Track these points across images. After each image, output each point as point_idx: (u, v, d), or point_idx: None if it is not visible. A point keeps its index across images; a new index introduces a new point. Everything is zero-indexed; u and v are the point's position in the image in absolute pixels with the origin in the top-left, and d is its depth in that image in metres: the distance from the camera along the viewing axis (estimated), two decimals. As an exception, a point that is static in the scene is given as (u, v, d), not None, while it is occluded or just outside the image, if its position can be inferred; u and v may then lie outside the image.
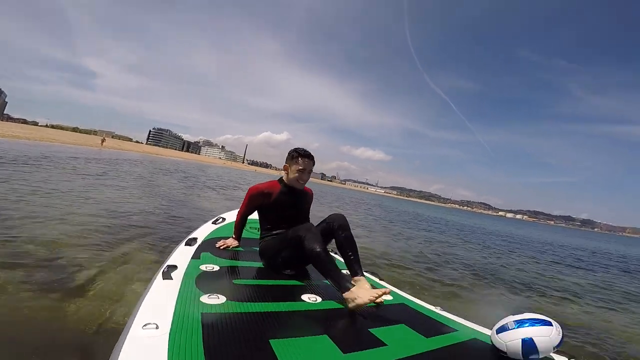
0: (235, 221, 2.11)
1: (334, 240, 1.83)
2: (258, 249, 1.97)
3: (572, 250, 13.19)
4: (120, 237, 3.35)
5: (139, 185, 8.16)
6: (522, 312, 1.27)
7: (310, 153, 1.92)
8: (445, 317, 1.59)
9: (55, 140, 21.26)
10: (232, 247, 2.08)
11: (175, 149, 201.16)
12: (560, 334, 1.16)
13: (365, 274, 2.19)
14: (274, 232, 1.92)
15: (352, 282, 1.62)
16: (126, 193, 6.50)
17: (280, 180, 1.98)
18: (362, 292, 1.44)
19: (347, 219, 1.86)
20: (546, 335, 1.14)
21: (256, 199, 1.93)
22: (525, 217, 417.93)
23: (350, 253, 1.76)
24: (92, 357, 1.50)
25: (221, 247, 2.05)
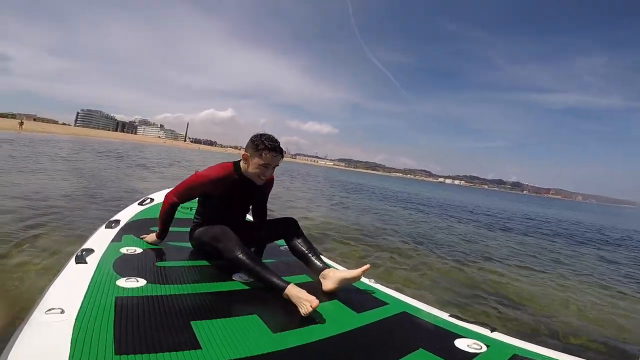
0: (161, 211, 1.68)
1: (283, 242, 1.77)
2: (189, 229, 1.77)
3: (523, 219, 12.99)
4: (33, 222, 3.06)
5: (63, 168, 7.62)
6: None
7: (278, 146, 1.59)
8: (378, 290, 1.59)
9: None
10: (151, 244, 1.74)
11: (109, 130, 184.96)
12: None
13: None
14: (213, 219, 1.66)
15: (321, 277, 1.54)
16: (46, 176, 6.10)
17: (236, 167, 1.66)
18: (296, 292, 1.28)
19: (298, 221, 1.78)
20: None
21: (203, 187, 1.63)
22: (462, 182, 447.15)
23: (307, 251, 1.66)
24: None
25: (144, 239, 1.78)
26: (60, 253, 2.43)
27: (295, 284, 1.31)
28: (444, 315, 1.37)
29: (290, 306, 1.24)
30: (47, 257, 2.34)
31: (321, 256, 1.71)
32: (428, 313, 1.38)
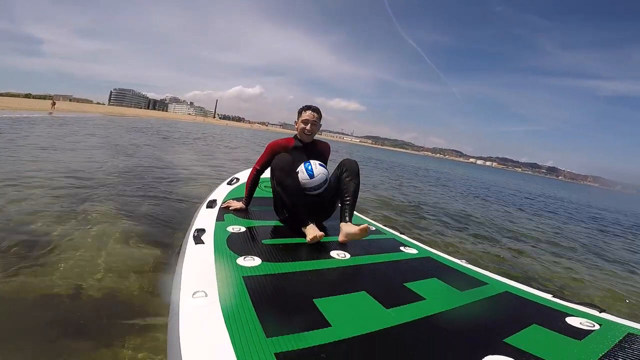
0: (248, 178, 2.10)
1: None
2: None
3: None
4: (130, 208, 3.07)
5: (102, 146, 7.51)
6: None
7: (313, 106, 2.02)
8: (473, 270, 1.61)
9: (5, 107, 19.30)
10: (235, 209, 2.04)
11: (140, 108, 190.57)
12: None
13: (385, 228, 2.25)
14: None
15: (340, 227, 1.73)
16: (89, 155, 5.96)
17: (295, 136, 2.10)
18: (312, 230, 1.66)
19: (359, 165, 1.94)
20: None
21: (274, 152, 2.00)
22: (494, 164, 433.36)
23: (347, 197, 1.81)
24: (147, 325, 1.44)
25: (228, 208, 2.04)
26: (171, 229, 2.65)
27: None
28: (548, 296, 1.35)
29: (391, 282, 1.32)
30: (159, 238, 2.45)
31: (354, 211, 1.85)
32: (531, 293, 1.37)
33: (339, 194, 1.90)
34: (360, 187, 1.91)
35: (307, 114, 1.99)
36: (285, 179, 1.72)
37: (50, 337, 1.32)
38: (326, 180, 1.87)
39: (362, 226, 1.62)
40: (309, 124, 1.98)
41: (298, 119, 2.03)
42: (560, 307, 1.25)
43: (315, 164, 1.87)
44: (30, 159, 4.81)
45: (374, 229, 1.97)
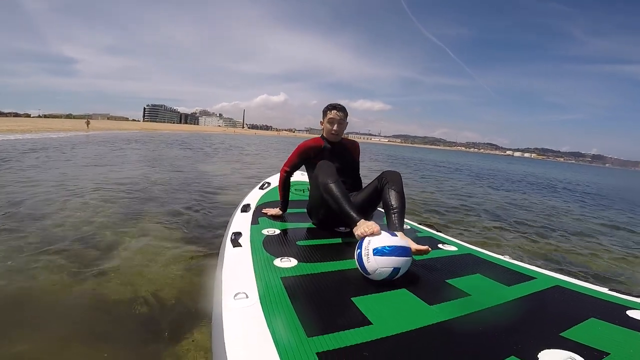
0: (280, 183, 2.04)
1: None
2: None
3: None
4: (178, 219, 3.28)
5: (145, 160, 7.95)
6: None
7: (338, 105, 1.94)
8: (519, 265, 1.54)
9: (48, 129, 20.84)
10: (272, 216, 2.02)
11: (173, 122, 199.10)
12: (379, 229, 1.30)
13: (420, 226, 2.20)
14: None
15: None
16: (136, 169, 6.36)
17: (322, 136, 2.03)
18: (362, 224, 1.38)
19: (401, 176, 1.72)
20: (374, 238, 1.25)
21: (305, 153, 1.97)
22: (533, 155, 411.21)
23: (394, 207, 1.58)
24: (187, 326, 1.57)
25: (266, 213, 2.05)
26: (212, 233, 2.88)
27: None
28: (604, 289, 1.27)
29: (432, 279, 1.27)
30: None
31: (404, 218, 1.64)
32: (584, 287, 1.30)
33: (373, 205, 1.81)
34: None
35: (333, 114, 1.92)
36: (331, 184, 1.58)
37: (107, 338, 1.48)
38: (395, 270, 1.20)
39: (423, 248, 1.36)
40: (335, 124, 1.93)
41: (323, 119, 1.97)
42: (619, 301, 1.16)
43: (368, 253, 1.21)
44: (86, 173, 5.37)
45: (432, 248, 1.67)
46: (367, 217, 1.76)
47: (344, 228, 1.87)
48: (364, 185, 1.93)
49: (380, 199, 1.70)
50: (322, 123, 1.99)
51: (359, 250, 1.23)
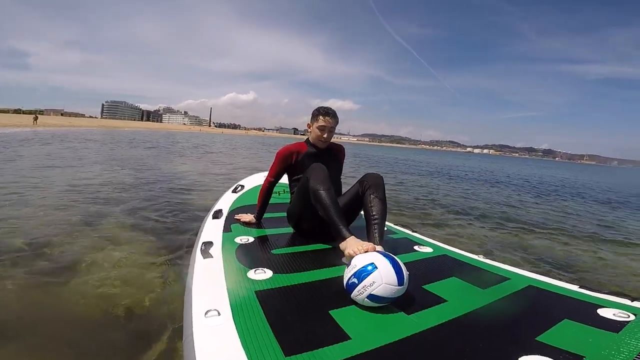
0: (261, 190, 1.93)
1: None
2: (285, 214, 1.90)
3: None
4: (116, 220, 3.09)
5: (103, 161, 7.35)
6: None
7: (331, 110, 1.81)
8: (492, 265, 1.54)
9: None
10: (245, 223, 1.90)
11: (134, 120, 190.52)
12: (389, 269, 1.06)
13: (396, 227, 2.15)
14: None
15: None
16: (92, 170, 5.83)
17: (307, 140, 1.92)
18: (353, 242, 1.28)
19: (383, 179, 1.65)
20: (378, 283, 1.04)
21: (286, 159, 1.86)
22: (491, 151, 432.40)
23: (375, 216, 1.50)
24: (155, 344, 1.41)
25: (239, 219, 1.94)
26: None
27: None
28: (574, 287, 1.30)
29: (412, 286, 1.18)
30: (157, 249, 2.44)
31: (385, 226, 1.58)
32: (556, 285, 1.33)
33: (354, 211, 1.72)
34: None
35: (325, 120, 1.78)
36: (322, 191, 1.46)
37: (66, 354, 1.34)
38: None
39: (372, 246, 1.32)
40: (326, 132, 1.80)
41: (313, 123, 1.83)
42: (590, 299, 1.19)
43: (401, 262, 1.15)
44: (34, 176, 4.87)
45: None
46: (349, 223, 1.68)
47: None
48: (344, 189, 1.86)
49: (361, 204, 1.63)
50: (309, 126, 1.87)
51: (350, 276, 1.09)
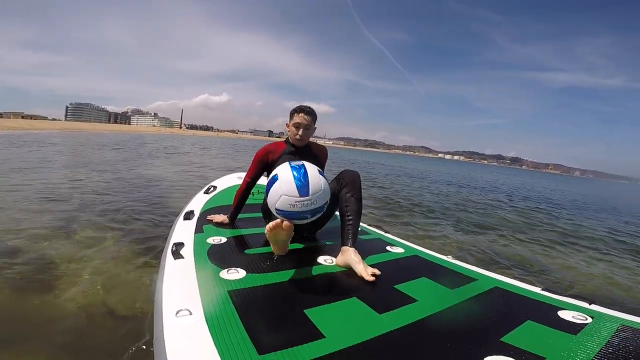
0: (237, 191, 1.91)
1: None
2: (261, 214, 1.90)
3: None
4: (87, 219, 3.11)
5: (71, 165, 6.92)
6: None
7: (307, 108, 1.80)
8: (460, 266, 1.59)
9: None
10: (218, 224, 1.88)
11: (101, 122, 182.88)
12: (288, 178, 1.18)
13: (370, 227, 2.18)
14: None
15: (340, 251, 1.46)
16: (58, 174, 5.51)
17: (286, 140, 1.90)
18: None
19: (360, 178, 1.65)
20: (279, 195, 1.17)
21: (262, 159, 1.84)
22: (462, 157, 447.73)
23: (349, 216, 1.51)
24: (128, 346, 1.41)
25: (212, 220, 1.91)
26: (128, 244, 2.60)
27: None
28: (537, 289, 1.34)
29: (381, 285, 1.25)
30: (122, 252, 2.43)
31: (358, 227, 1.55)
32: (520, 287, 1.36)
33: (334, 207, 1.65)
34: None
35: (299, 117, 1.77)
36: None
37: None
38: (325, 204, 1.27)
39: (373, 271, 1.31)
40: (301, 129, 1.77)
41: (290, 122, 1.82)
42: (551, 301, 1.24)
43: (312, 171, 1.25)
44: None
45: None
46: (326, 221, 1.78)
47: (306, 234, 1.79)
48: None
49: (338, 202, 1.61)
50: (288, 126, 1.85)
51: (272, 185, 1.20)
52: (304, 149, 1.87)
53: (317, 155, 1.93)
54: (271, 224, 1.25)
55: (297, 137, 1.79)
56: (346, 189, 1.57)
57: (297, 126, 1.78)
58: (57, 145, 13.35)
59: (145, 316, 1.59)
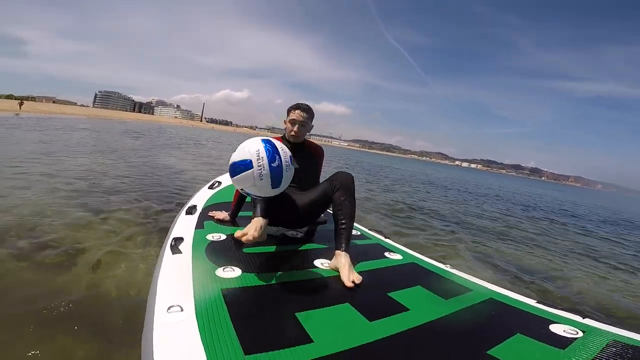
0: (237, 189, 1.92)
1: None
2: None
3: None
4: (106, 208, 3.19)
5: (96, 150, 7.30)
6: None
7: (303, 105, 1.83)
8: (458, 275, 1.58)
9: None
10: (219, 220, 1.88)
11: (126, 111, 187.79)
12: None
13: (370, 232, 2.17)
14: None
15: (334, 255, 1.46)
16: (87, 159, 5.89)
17: (283, 136, 1.92)
18: (251, 224, 1.38)
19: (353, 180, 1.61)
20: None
21: None
22: (479, 166, 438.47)
23: (343, 220, 1.50)
24: (119, 339, 1.45)
25: (213, 217, 1.91)
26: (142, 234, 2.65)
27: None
28: (532, 302, 1.35)
29: (375, 292, 1.26)
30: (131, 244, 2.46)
31: (352, 231, 1.56)
32: (515, 299, 1.36)
33: (321, 208, 1.70)
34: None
35: (295, 114, 1.81)
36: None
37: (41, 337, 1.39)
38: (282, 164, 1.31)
39: (355, 278, 1.31)
40: (297, 125, 1.81)
41: (287, 118, 1.85)
42: (544, 314, 1.23)
43: (282, 150, 1.32)
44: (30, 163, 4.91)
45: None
46: (314, 219, 1.83)
47: (295, 232, 1.82)
48: None
49: (328, 203, 1.62)
50: (285, 122, 1.87)
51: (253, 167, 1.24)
52: (301, 147, 1.89)
53: (314, 154, 1.95)
54: (238, 233, 1.32)
55: (293, 133, 1.82)
56: (339, 193, 1.56)
57: (293, 122, 1.81)
58: (86, 130, 13.94)
59: (130, 313, 1.60)
